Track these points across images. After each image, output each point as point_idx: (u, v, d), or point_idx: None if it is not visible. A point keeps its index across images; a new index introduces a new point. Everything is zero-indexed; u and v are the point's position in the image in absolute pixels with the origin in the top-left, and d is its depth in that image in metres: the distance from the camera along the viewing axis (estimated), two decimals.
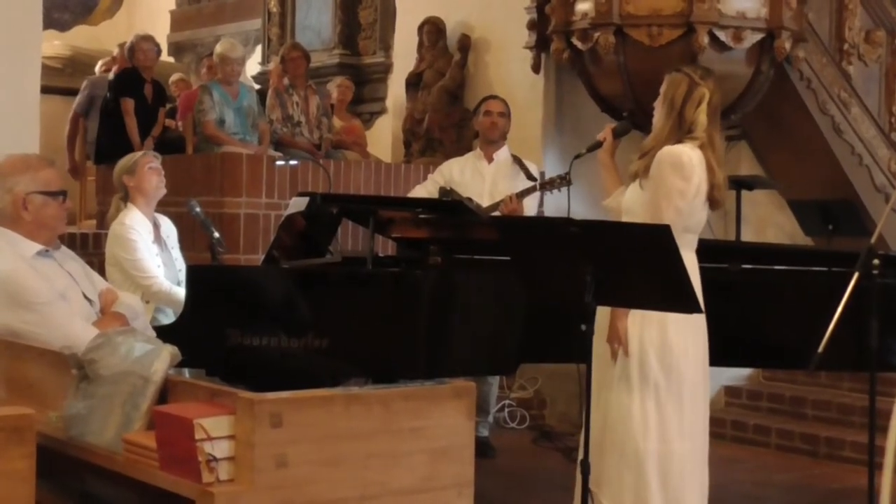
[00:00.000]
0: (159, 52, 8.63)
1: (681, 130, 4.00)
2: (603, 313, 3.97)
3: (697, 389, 4.06)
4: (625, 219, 4.06)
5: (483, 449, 6.19)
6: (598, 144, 4.23)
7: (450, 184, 6.15)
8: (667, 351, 3.98)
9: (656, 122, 4.08)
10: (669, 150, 3.96)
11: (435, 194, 6.16)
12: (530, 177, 6.03)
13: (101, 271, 4.71)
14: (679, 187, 3.93)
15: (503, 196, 6.01)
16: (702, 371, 4.08)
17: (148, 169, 5.29)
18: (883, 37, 8.23)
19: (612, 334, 3.99)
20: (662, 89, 4.09)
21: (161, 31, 11.80)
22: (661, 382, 3.97)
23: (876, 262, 4.26)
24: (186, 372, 4.50)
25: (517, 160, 6.22)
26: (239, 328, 4.36)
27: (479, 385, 6.23)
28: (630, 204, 4.09)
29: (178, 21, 12.75)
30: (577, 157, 4.32)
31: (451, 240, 5.17)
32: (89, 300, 3.77)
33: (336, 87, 8.93)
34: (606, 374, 4.02)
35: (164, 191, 5.36)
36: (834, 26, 7.96)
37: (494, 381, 6.37)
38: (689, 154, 3.97)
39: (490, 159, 6.25)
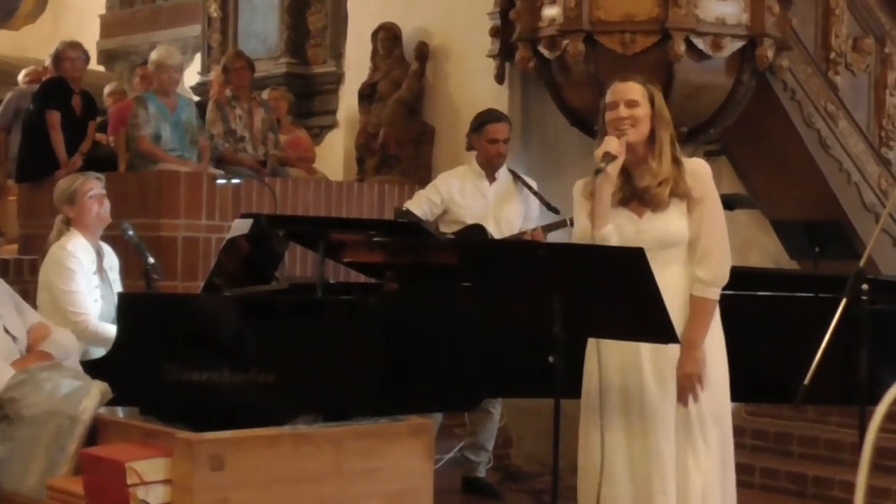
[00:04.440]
0: (88, 60, 8.59)
1: (675, 148, 4.02)
2: (602, 343, 3.96)
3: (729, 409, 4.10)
4: (672, 251, 3.93)
5: (487, 490, 6.31)
6: (613, 158, 3.93)
7: (448, 203, 6.16)
8: (714, 374, 3.99)
9: (661, 143, 3.98)
10: (700, 164, 4.07)
11: (431, 213, 6.18)
12: (545, 203, 6.06)
13: (28, 298, 4.68)
14: (718, 196, 4.05)
15: (508, 219, 6.04)
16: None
17: (88, 198, 5.27)
18: (872, 45, 8.30)
19: (691, 366, 3.89)
20: (646, 104, 3.99)
21: (90, 38, 11.76)
22: (713, 410, 3.97)
23: (865, 286, 4.31)
24: (119, 411, 4.48)
25: (515, 175, 6.27)
26: (176, 362, 4.34)
27: (479, 420, 6.27)
28: (678, 232, 3.95)
29: (108, 26, 12.70)
30: (599, 172, 4.02)
31: (408, 264, 5.18)
32: (12, 335, 3.73)
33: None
34: (604, 412, 3.94)
35: (108, 219, 5.34)
36: (820, 33, 8.03)
37: (496, 410, 6.37)
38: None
39: (492, 179, 6.29)
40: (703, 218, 3.96)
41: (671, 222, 3.96)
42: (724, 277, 3.96)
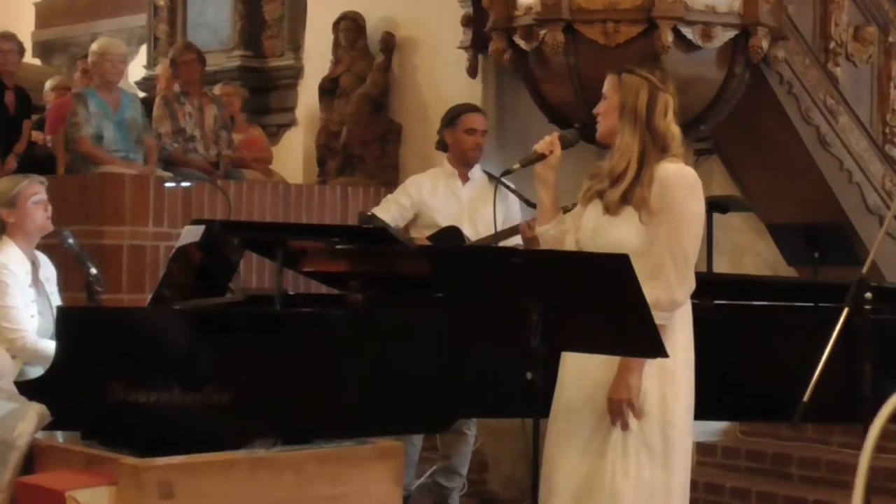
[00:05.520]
0: (22, 52, 8.57)
1: (656, 147, 4.00)
2: (579, 357, 4.00)
3: (688, 453, 4.11)
4: None
5: None
6: (539, 158, 4.12)
7: (419, 206, 6.18)
8: (668, 407, 4.01)
9: (618, 137, 4.03)
10: (676, 171, 3.99)
11: (401, 217, 6.19)
12: (524, 199, 6.07)
13: None
14: (696, 212, 3.99)
15: (486, 220, 6.04)
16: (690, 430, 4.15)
17: (32, 203, 5.25)
18: (874, 33, 8.34)
19: (621, 390, 3.92)
20: (614, 95, 4.05)
21: (24, 28, 11.73)
22: (662, 447, 3.99)
23: (868, 295, 4.33)
24: (58, 435, 4.47)
25: (492, 177, 6.28)
26: (122, 382, 4.33)
27: (453, 442, 6.27)
28: (621, 241, 3.95)
29: (45, 16, 12.67)
30: (508, 172, 4.19)
31: (374, 274, 5.18)
32: None
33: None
34: (582, 433, 4.00)
35: (50, 227, 5.32)
36: (818, 22, 8.06)
37: (471, 432, 6.37)
38: (693, 173, 4.03)
39: (465, 178, 6.30)
40: (659, 232, 3.93)
41: (615, 230, 3.99)
42: (673, 303, 3.92)
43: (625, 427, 3.93)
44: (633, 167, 3.98)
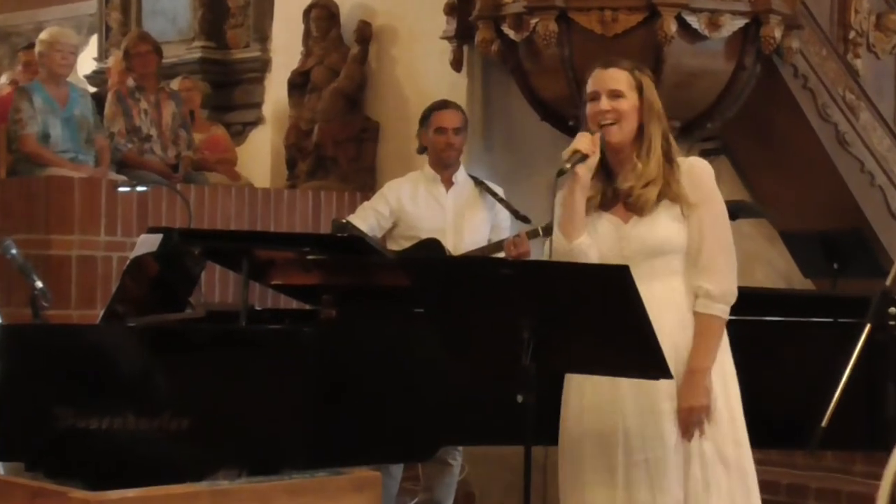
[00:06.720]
0: None
1: (670, 146, 4.10)
2: (575, 380, 4.01)
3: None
4: (659, 262, 4.00)
5: None
6: (583, 158, 3.99)
7: (399, 213, 6.17)
8: (733, 410, 4.06)
9: (653, 140, 4.06)
10: (696, 163, 4.17)
11: (379, 226, 6.19)
12: (514, 211, 6.08)
13: None
14: (722, 202, 4.13)
15: (472, 229, 6.06)
16: None
17: None
18: None
19: (700, 397, 3.94)
20: (632, 94, 4.05)
21: None
22: (735, 456, 4.04)
23: (893, 309, 4.33)
24: (0, 467, 4.46)
25: (478, 182, 6.28)
26: (70, 406, 4.32)
27: (436, 473, 6.26)
28: (665, 238, 4.01)
29: None
30: (562, 173, 3.97)
31: (349, 287, 5.18)
32: None
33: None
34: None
35: None
36: (836, 10, 8.10)
37: (456, 461, 6.36)
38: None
39: (449, 183, 6.30)
40: (704, 224, 4.02)
41: (659, 228, 4.01)
42: (733, 294, 4.05)
43: (702, 432, 3.95)
44: (662, 167, 4.05)
